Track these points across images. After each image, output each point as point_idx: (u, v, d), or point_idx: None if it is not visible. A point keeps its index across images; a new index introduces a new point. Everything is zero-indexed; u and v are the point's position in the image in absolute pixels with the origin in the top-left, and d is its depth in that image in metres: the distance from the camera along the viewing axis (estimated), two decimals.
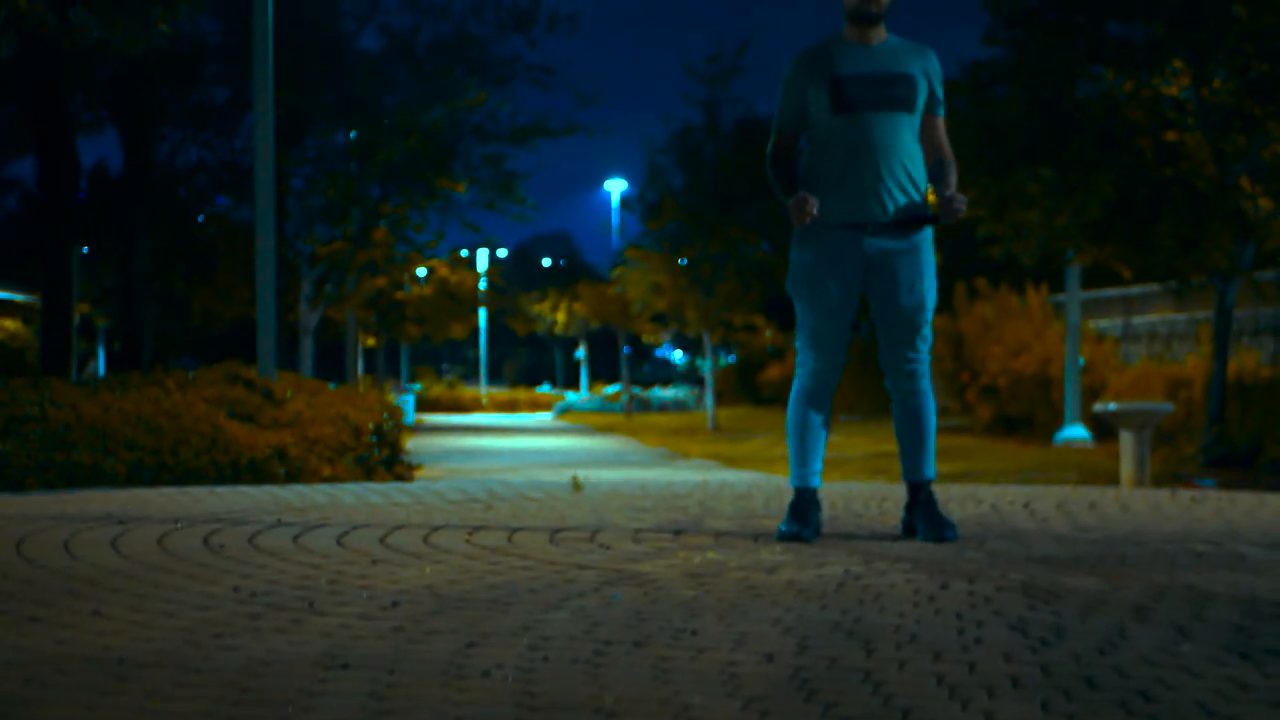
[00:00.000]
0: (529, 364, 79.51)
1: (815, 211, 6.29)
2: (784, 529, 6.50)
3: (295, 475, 13.27)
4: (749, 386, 45.20)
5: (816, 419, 6.59)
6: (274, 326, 17.68)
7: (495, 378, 75.17)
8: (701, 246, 30.03)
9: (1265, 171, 17.86)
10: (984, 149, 18.63)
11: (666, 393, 48.03)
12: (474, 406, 48.74)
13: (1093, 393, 22.84)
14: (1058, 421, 23.21)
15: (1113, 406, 16.29)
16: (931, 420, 6.68)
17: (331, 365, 56.14)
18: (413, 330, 36.74)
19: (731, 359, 54.47)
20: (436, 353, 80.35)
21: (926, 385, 6.64)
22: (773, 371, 43.21)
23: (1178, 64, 18.13)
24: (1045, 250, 18.74)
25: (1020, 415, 24.98)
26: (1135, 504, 8.57)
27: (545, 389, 57.30)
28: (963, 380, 26.15)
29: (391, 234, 26.91)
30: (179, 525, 6.85)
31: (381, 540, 6.34)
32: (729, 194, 30.23)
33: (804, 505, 6.56)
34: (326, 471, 13.88)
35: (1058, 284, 23.64)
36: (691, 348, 66.71)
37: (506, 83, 25.38)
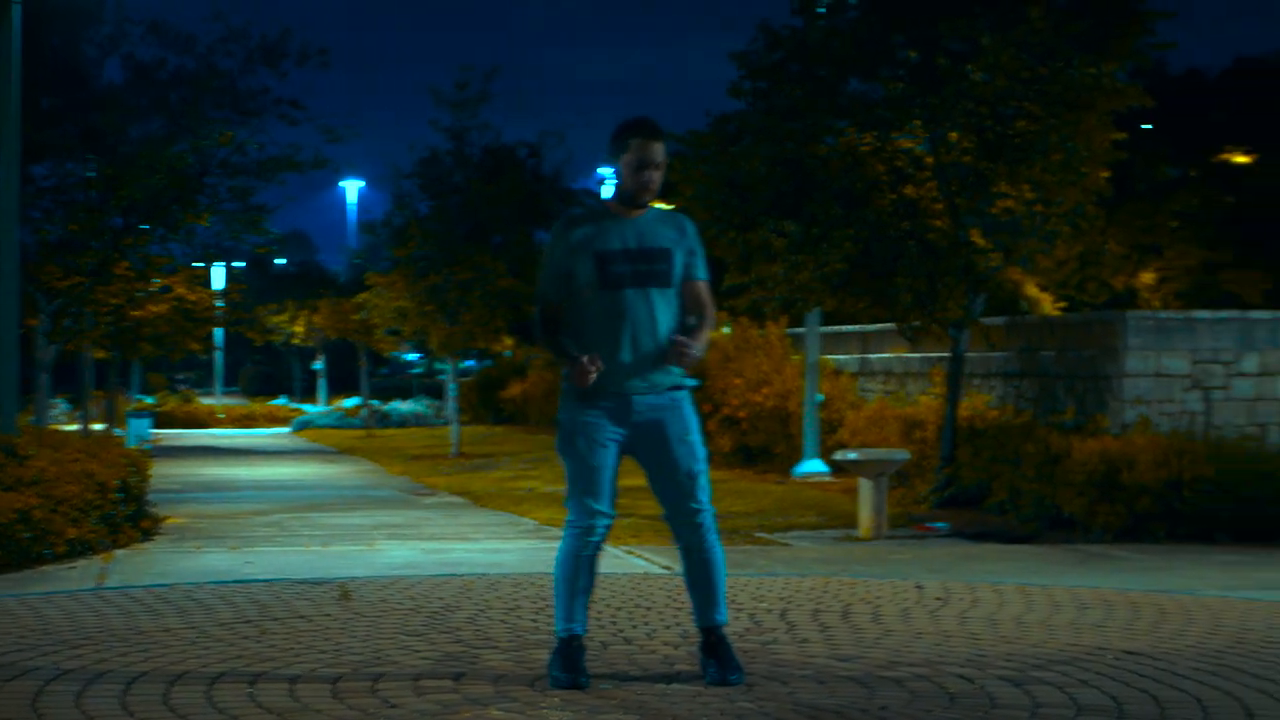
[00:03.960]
0: (265, 373, 78.41)
1: (601, 368, 6.57)
2: (558, 677, 6.71)
3: (41, 539, 13.15)
4: (490, 403, 45.28)
5: (584, 575, 6.82)
6: (15, 378, 17.33)
7: (231, 383, 74.06)
8: (447, 273, 30.09)
9: (995, 227, 18.58)
10: (730, 203, 19.04)
11: (406, 406, 47.86)
12: (210, 421, 48.03)
13: (830, 427, 23.44)
14: (797, 455, 23.76)
15: (853, 455, 16.81)
16: (722, 569, 6.94)
17: (66, 379, 54.75)
18: (147, 349, 36.13)
19: (470, 364, 54.43)
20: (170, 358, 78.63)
21: (714, 537, 6.90)
22: (514, 389, 43.37)
23: (916, 122, 18.75)
24: (788, 301, 19.24)
25: (760, 447, 25.52)
26: (885, 611, 8.98)
27: (283, 401, 56.65)
28: (704, 411, 26.64)
29: (132, 268, 26.49)
30: None
31: (165, 700, 6.40)
32: (476, 221, 30.37)
33: (572, 653, 6.78)
34: (72, 533, 13.75)
35: (797, 317, 24.19)
36: (431, 353, 66.47)
37: (254, 116, 25.18)
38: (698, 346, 6.67)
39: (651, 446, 6.77)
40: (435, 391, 57.21)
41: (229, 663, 7.18)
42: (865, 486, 16.43)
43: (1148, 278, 30.97)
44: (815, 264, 18.33)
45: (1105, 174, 18.88)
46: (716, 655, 6.85)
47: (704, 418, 26.83)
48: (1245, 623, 8.72)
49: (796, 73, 19.55)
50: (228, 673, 6.96)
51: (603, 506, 6.75)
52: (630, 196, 6.76)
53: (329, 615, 8.65)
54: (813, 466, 23.18)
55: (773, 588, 9.94)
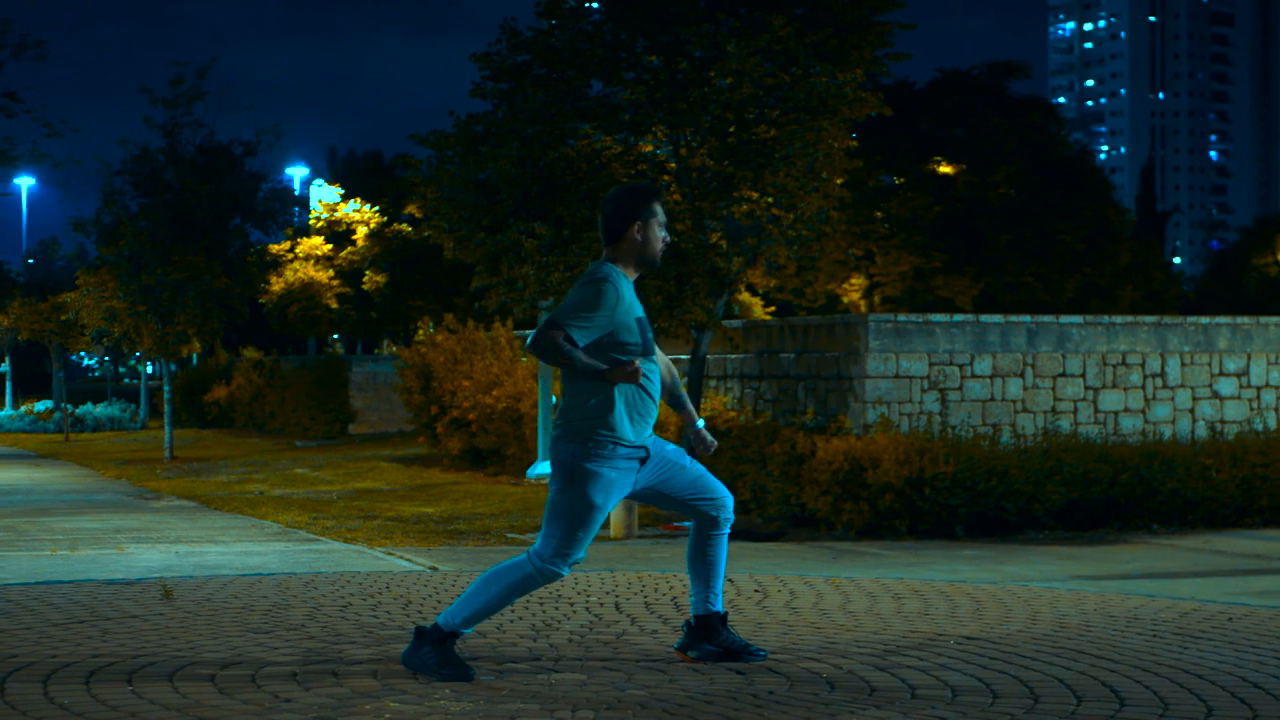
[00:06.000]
0: None
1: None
2: (447, 674, 6.66)
3: None
4: (193, 406, 44.27)
5: (514, 600, 6.93)
6: None
7: None
8: (160, 273, 29.39)
9: (738, 231, 18.91)
10: (479, 203, 19.00)
11: (99, 409, 46.49)
12: None
13: None
14: (530, 456, 23.79)
15: None
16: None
17: None
18: None
19: (150, 369, 53.01)
20: None
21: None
22: (219, 392, 42.52)
23: (659, 128, 18.96)
24: (538, 303, 19.30)
25: (490, 449, 25.46)
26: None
27: None
28: (432, 413, 26.50)
29: None
30: None
31: (51, 694, 6.18)
32: (190, 220, 29.70)
33: (450, 647, 6.79)
34: None
35: (529, 320, 24.25)
36: (114, 353, 64.62)
37: None
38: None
39: (665, 474, 7.01)
40: (128, 394, 55.66)
41: (88, 661, 6.95)
42: None
43: (858, 282, 31.83)
44: (566, 265, 18.42)
45: (841, 180, 19.39)
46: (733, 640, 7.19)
47: (431, 420, 26.65)
48: (1057, 609, 9.07)
49: (541, 76, 19.62)
50: (99, 670, 6.74)
51: (583, 555, 6.92)
52: (651, 260, 6.93)
53: (161, 614, 8.42)
54: (546, 468, 23.21)
55: (590, 583, 9.99)
